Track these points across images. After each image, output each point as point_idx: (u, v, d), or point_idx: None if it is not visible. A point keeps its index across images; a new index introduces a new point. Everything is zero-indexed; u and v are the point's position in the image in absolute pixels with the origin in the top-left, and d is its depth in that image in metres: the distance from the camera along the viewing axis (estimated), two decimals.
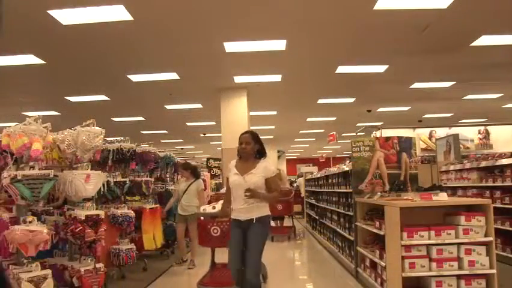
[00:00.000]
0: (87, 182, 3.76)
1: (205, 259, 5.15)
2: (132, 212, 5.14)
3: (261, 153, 3.57)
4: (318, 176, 8.44)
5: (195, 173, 6.22)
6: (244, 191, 3.29)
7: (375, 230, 4.15)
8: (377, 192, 4.56)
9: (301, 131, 17.80)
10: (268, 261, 4.49)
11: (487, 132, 9.12)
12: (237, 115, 9.89)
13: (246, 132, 3.62)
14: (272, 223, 8.51)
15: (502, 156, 5.82)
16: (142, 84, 8.95)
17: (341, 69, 8.38)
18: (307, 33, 6.57)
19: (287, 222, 9.32)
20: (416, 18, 5.86)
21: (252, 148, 3.52)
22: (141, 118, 13.23)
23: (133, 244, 5.11)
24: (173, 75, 8.50)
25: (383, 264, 3.82)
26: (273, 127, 16.19)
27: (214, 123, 13.50)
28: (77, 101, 10.30)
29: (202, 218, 4.66)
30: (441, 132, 9.15)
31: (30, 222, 3.22)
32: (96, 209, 4.03)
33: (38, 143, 3.37)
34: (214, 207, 4.64)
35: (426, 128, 9.72)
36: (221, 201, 4.40)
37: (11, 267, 3.23)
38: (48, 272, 3.25)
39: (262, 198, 3.41)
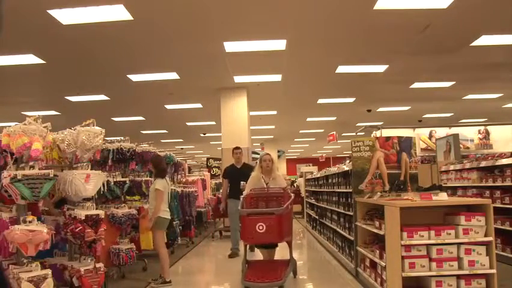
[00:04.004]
0: (87, 181, 3.76)
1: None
2: (134, 209, 5.21)
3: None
4: (318, 176, 8.43)
5: (156, 169, 4.98)
6: None
7: (375, 230, 4.15)
8: (377, 192, 4.56)
9: (301, 131, 17.80)
10: None
11: (487, 132, 9.11)
12: (237, 115, 9.89)
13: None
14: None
15: (502, 156, 5.81)
16: (142, 84, 8.95)
17: (341, 69, 8.38)
18: (307, 33, 6.57)
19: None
20: (416, 18, 5.86)
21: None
22: (141, 118, 13.23)
23: (133, 244, 5.13)
24: (173, 75, 8.50)
25: (383, 264, 3.82)
26: (273, 127, 16.18)
27: (214, 123, 13.50)
28: (77, 100, 10.30)
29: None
30: (441, 132, 9.15)
31: (30, 222, 3.21)
32: (96, 208, 4.03)
33: (38, 143, 3.36)
34: None
35: (426, 128, 9.71)
36: None
37: (11, 267, 3.23)
38: (48, 271, 3.24)
39: None
